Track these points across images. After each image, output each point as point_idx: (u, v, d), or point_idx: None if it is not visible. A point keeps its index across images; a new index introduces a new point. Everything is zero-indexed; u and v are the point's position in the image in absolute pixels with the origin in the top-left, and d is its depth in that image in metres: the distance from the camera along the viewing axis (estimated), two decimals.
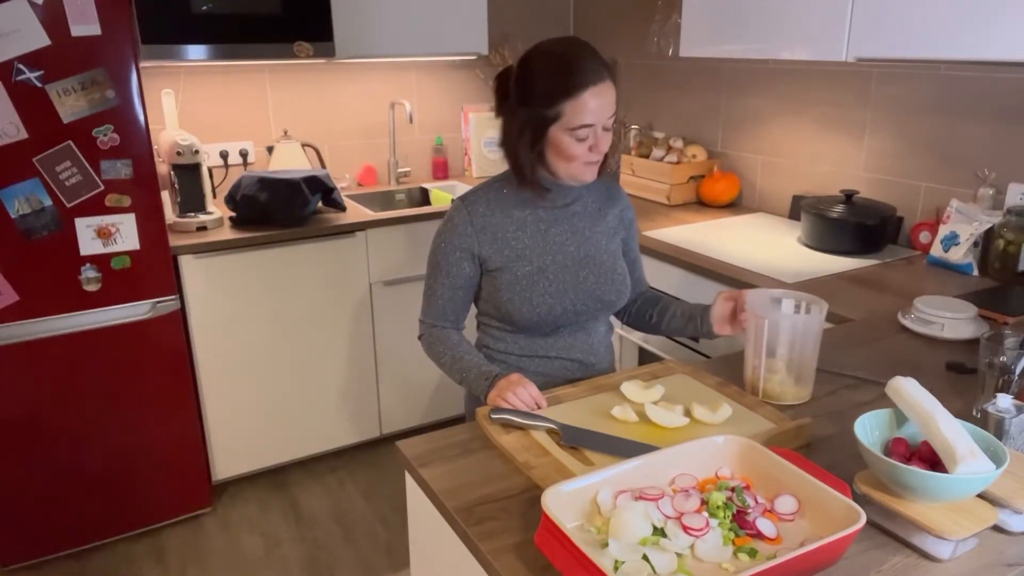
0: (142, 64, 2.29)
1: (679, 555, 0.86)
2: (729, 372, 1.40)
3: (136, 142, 2.10)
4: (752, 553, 0.87)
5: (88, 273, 2.14)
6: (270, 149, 2.94)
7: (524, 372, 1.47)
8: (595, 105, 1.29)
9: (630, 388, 1.27)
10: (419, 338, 1.51)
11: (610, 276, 1.47)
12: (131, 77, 2.06)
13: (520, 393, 1.24)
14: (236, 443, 2.60)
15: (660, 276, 2.24)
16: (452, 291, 1.45)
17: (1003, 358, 1.13)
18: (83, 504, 2.30)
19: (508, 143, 1.38)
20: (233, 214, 2.58)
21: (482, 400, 1.33)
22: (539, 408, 1.24)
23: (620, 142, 3.17)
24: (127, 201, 2.14)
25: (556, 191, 1.44)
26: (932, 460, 0.96)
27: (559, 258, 1.44)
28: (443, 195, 3.09)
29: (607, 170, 1.46)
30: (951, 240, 2.02)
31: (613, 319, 1.62)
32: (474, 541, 0.95)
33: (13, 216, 2.01)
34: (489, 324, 1.51)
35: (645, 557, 0.84)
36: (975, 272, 1.99)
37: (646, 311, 1.61)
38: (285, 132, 2.96)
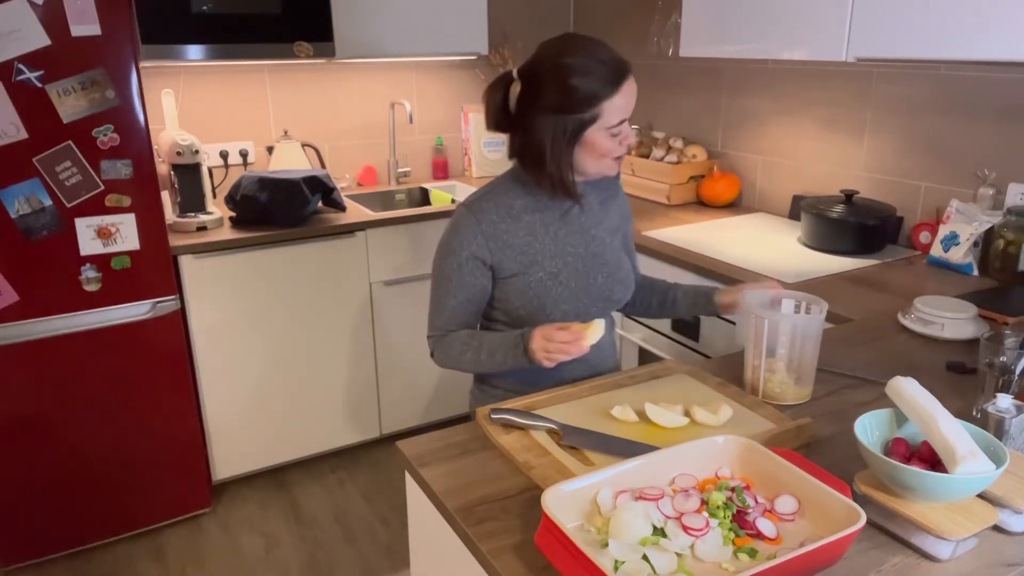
0: (142, 64, 2.29)
1: (679, 555, 0.86)
2: (729, 372, 1.40)
3: (136, 142, 2.10)
4: (752, 553, 0.87)
5: (88, 273, 2.14)
6: (270, 149, 2.94)
7: (526, 371, 1.44)
8: (626, 101, 1.30)
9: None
10: (431, 356, 1.45)
11: (617, 275, 1.47)
12: (131, 77, 2.06)
13: (563, 349, 1.25)
14: (236, 443, 2.60)
15: (660, 276, 2.23)
16: (464, 303, 1.40)
17: (1003, 358, 1.13)
18: (83, 504, 2.30)
19: (533, 152, 1.33)
20: (233, 214, 2.58)
21: (535, 362, 1.30)
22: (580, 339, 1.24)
23: None
24: (127, 201, 2.13)
25: (583, 194, 1.42)
26: (932, 460, 0.96)
27: (569, 260, 1.42)
28: (443, 195, 3.09)
29: None
30: (951, 240, 2.02)
31: (614, 313, 1.61)
32: (474, 541, 0.95)
33: (13, 216, 2.01)
34: (493, 324, 1.48)
35: (645, 557, 0.84)
36: (975, 272, 1.99)
37: (645, 299, 1.63)
38: (285, 132, 2.96)
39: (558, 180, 1.34)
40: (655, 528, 0.89)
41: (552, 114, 1.29)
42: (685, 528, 0.88)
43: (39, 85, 1.96)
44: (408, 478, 1.17)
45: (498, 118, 1.38)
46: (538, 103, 1.30)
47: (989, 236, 1.96)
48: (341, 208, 2.69)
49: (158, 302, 2.26)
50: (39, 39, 1.93)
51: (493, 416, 1.19)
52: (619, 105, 1.29)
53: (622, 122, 1.32)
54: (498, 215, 1.38)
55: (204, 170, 2.49)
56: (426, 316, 1.39)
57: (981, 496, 0.94)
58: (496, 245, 1.37)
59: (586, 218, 1.46)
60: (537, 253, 1.39)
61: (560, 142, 1.31)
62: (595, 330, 1.25)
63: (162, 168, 2.43)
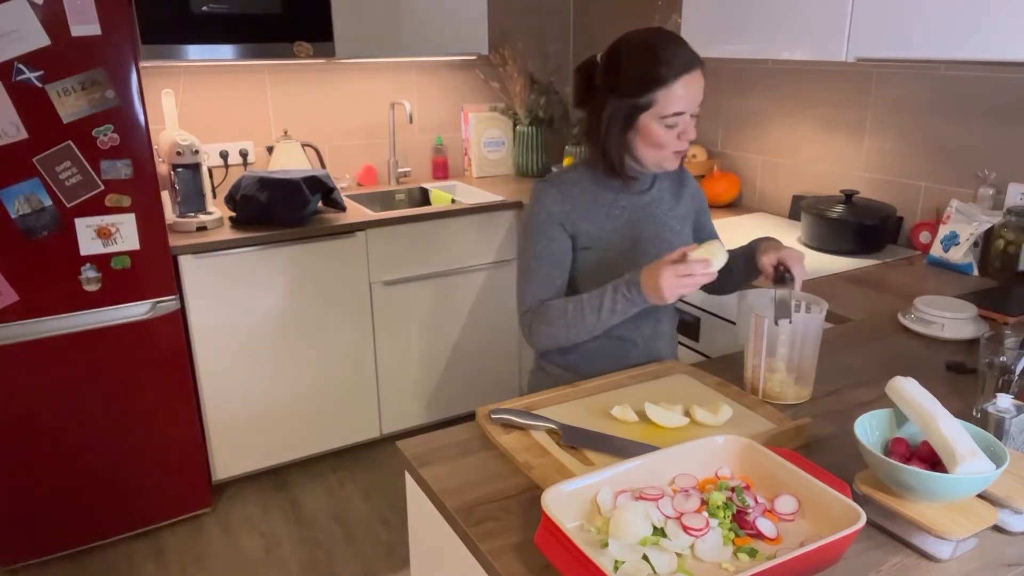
0: (142, 64, 2.29)
1: (679, 555, 0.86)
2: (729, 372, 1.40)
3: (136, 142, 2.10)
4: (752, 553, 0.87)
5: (88, 273, 2.14)
6: (270, 149, 2.94)
7: (584, 348, 1.45)
8: (686, 93, 1.32)
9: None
10: (527, 332, 1.44)
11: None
12: (131, 77, 2.06)
13: (689, 281, 1.23)
14: (236, 443, 2.60)
15: None
16: (553, 269, 1.42)
17: (1003, 358, 1.13)
18: (83, 504, 2.30)
19: (595, 132, 1.39)
20: (233, 214, 2.57)
21: (653, 300, 1.28)
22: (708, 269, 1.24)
23: None
24: (127, 201, 2.13)
25: (637, 179, 1.46)
26: (932, 460, 0.96)
27: (640, 243, 1.45)
28: (443, 195, 3.09)
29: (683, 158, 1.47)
30: (951, 240, 2.02)
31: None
32: (474, 541, 0.95)
33: (13, 216, 2.01)
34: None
35: (645, 557, 0.84)
36: (975, 272, 1.99)
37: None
38: (285, 132, 2.96)
39: (609, 161, 1.39)
40: (655, 528, 0.88)
41: (613, 96, 1.35)
42: (685, 528, 0.88)
43: (39, 85, 1.96)
44: (408, 478, 1.17)
45: (580, 96, 1.44)
46: (604, 85, 1.37)
47: (989, 236, 1.96)
48: (341, 208, 2.69)
49: (158, 302, 2.26)
50: (39, 39, 1.93)
51: (493, 416, 1.19)
52: (678, 95, 1.32)
53: (679, 114, 1.33)
54: (578, 188, 1.43)
55: (204, 170, 2.49)
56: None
57: (981, 496, 0.94)
58: (576, 214, 1.41)
59: (658, 206, 1.49)
60: (608, 231, 1.43)
61: (616, 124, 1.36)
62: (715, 252, 1.23)
63: (162, 168, 2.43)
